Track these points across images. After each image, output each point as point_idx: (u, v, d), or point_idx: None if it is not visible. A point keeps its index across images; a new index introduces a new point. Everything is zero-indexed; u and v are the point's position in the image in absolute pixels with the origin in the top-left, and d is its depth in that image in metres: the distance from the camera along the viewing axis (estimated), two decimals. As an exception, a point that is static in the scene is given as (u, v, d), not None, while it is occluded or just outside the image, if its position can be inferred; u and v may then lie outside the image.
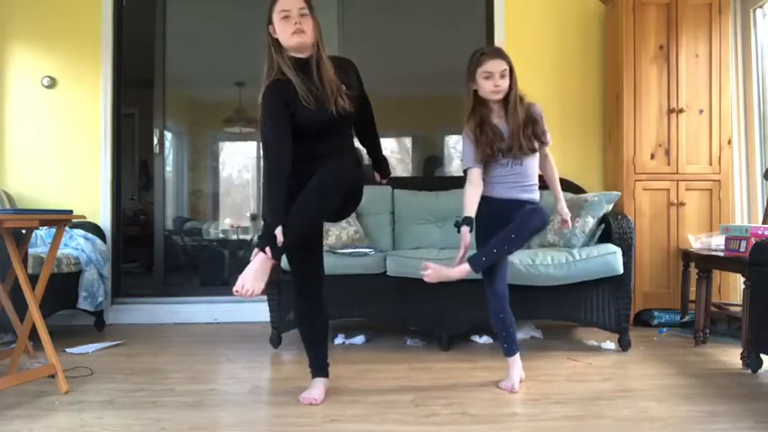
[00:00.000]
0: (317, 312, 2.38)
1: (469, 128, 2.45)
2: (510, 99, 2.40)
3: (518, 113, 2.40)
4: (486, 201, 2.46)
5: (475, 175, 2.46)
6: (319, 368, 2.38)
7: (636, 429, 2.01)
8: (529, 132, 2.40)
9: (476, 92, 2.44)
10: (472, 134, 2.43)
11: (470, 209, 2.42)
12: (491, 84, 2.38)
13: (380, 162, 2.56)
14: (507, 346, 2.50)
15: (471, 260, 2.34)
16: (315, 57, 2.21)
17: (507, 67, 2.39)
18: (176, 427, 2.06)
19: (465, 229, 2.39)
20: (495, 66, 2.37)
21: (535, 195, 2.49)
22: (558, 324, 3.50)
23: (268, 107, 2.16)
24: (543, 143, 2.46)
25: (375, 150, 2.55)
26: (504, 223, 2.40)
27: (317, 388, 2.33)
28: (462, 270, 2.34)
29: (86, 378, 2.64)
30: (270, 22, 2.20)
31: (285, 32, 2.16)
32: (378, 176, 2.60)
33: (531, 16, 4.14)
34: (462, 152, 2.52)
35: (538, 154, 2.49)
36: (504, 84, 2.38)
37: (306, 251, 2.32)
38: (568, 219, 2.58)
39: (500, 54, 2.42)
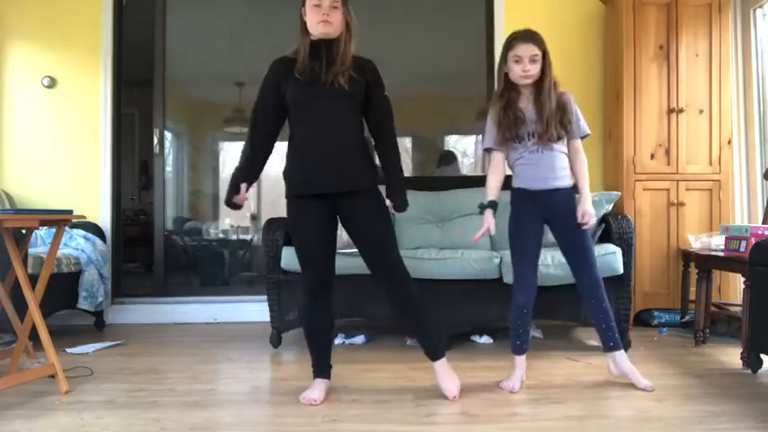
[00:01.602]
0: (325, 314, 2.38)
1: (494, 109, 2.45)
2: (544, 85, 2.38)
3: (551, 99, 2.38)
4: (521, 193, 2.46)
5: (496, 158, 2.50)
6: (321, 369, 2.38)
7: (636, 429, 2.01)
8: (558, 120, 2.38)
9: (507, 75, 2.43)
10: (496, 116, 2.44)
11: (493, 193, 2.47)
12: (520, 68, 2.37)
13: (393, 186, 2.36)
14: (520, 344, 2.49)
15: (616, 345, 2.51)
16: (334, 42, 2.23)
17: (539, 53, 2.37)
18: (176, 427, 2.06)
19: (489, 212, 2.43)
20: (526, 50, 2.36)
21: (566, 182, 2.45)
22: (558, 324, 3.50)
23: (264, 82, 2.34)
24: (568, 132, 2.42)
25: (388, 165, 2.36)
26: (538, 218, 2.43)
27: (318, 388, 2.33)
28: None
29: (86, 378, 2.64)
30: (303, 3, 2.26)
31: (312, 20, 2.22)
32: (390, 205, 2.36)
33: (531, 17, 4.13)
34: (485, 132, 2.52)
35: (567, 143, 2.46)
36: (534, 69, 2.37)
37: (320, 254, 2.32)
38: (586, 218, 2.42)
39: (532, 38, 2.38)
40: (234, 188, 2.29)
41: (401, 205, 2.35)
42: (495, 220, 2.43)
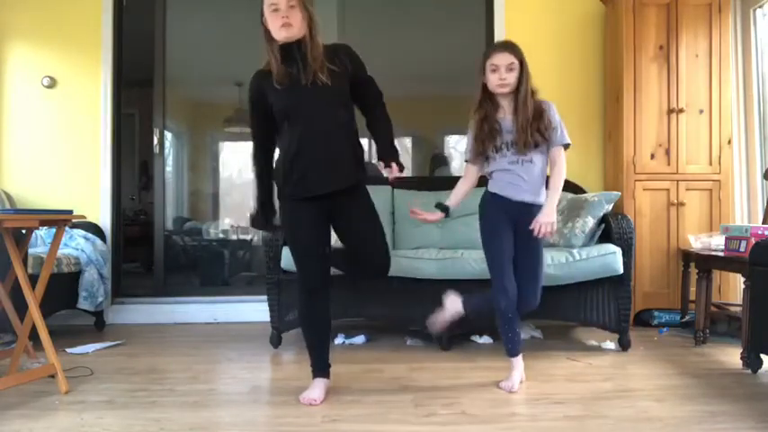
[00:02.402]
0: (322, 314, 2.38)
1: (473, 121, 2.47)
2: (520, 93, 2.38)
3: (527, 108, 2.37)
4: (492, 197, 2.46)
5: (469, 170, 2.54)
6: (321, 369, 2.38)
7: (636, 429, 2.01)
8: (535, 128, 2.37)
9: (485, 85, 2.43)
10: (474, 128, 2.46)
11: (454, 200, 2.54)
12: (497, 77, 2.37)
13: (387, 148, 2.35)
14: (512, 347, 2.49)
15: (465, 298, 2.54)
16: (302, 42, 2.23)
17: (515, 61, 2.36)
18: (176, 427, 2.06)
19: (439, 212, 2.51)
20: (502, 59, 2.36)
21: (542, 198, 2.44)
22: (558, 324, 3.49)
23: (250, 98, 2.36)
24: (547, 139, 2.39)
25: (381, 135, 2.37)
26: (508, 223, 2.42)
27: (318, 388, 2.33)
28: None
29: (86, 378, 2.64)
30: (262, 13, 2.26)
31: (274, 25, 2.22)
32: (383, 169, 2.35)
33: (531, 17, 4.14)
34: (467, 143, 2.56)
35: (547, 152, 2.44)
36: (511, 78, 2.36)
37: (316, 253, 2.32)
38: (543, 228, 2.33)
39: (508, 48, 2.40)
40: (267, 222, 2.46)
41: (398, 162, 2.35)
42: (437, 221, 2.56)
